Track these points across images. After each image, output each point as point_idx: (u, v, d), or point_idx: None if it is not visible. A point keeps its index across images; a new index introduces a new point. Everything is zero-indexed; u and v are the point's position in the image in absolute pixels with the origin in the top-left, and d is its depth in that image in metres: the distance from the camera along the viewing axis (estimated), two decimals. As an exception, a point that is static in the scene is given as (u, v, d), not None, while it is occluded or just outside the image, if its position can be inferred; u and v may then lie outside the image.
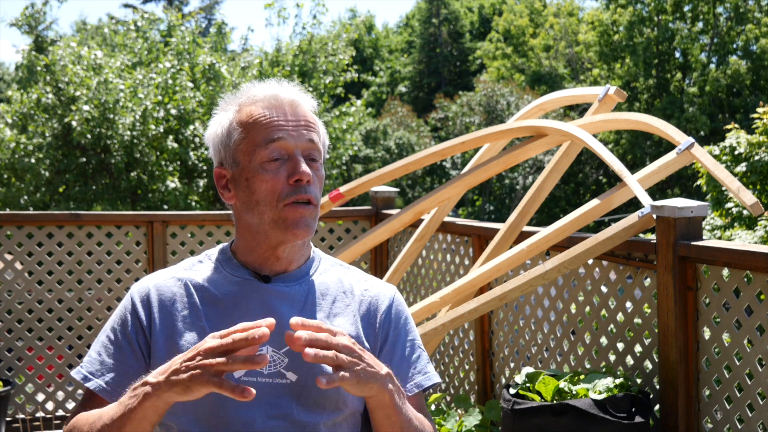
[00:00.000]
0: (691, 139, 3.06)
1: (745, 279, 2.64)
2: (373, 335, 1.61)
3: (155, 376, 1.38)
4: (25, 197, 12.55)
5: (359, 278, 1.68)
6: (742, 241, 6.14)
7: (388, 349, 1.62)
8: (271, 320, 1.33)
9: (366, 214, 4.92)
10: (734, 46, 28.14)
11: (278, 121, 1.56)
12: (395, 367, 1.60)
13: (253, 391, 1.30)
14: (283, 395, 1.52)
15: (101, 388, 1.55)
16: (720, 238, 6.74)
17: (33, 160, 12.13)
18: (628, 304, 3.13)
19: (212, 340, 1.35)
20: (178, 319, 1.55)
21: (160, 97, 12.07)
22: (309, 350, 1.32)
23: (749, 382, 2.64)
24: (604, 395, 2.74)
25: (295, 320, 1.35)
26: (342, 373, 1.35)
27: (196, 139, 12.43)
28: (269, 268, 1.60)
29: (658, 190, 25.28)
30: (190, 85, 12.34)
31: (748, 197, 2.79)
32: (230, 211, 1.65)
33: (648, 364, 3.03)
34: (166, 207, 12.14)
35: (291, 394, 1.52)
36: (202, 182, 12.73)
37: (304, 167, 1.55)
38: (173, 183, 12.06)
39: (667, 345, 2.80)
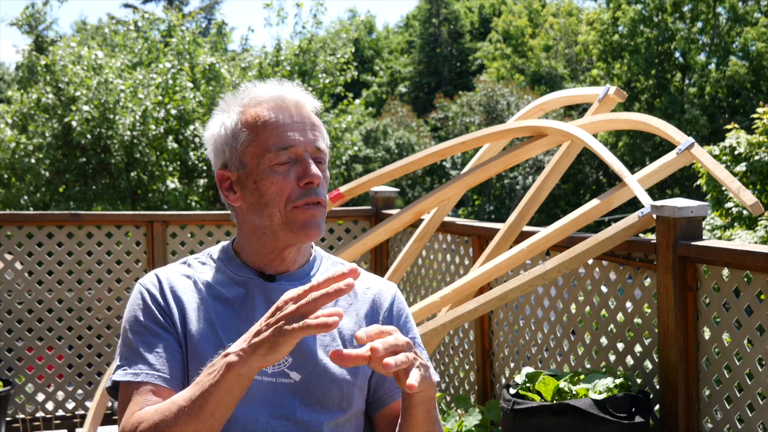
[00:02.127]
0: (691, 139, 3.06)
1: (745, 279, 2.64)
2: None
3: (235, 346, 1.33)
4: (25, 197, 12.55)
5: (360, 276, 1.68)
6: (742, 241, 6.14)
7: None
8: (339, 310, 1.29)
9: (366, 214, 4.92)
10: (734, 46, 28.16)
11: (287, 124, 1.55)
12: None
13: (336, 318, 1.26)
14: (287, 395, 1.52)
15: (164, 378, 1.48)
16: (720, 238, 6.74)
17: (33, 160, 12.13)
18: (628, 304, 3.14)
19: (289, 305, 1.30)
20: (190, 310, 1.54)
21: (160, 98, 12.06)
22: (389, 360, 1.28)
23: (749, 382, 2.64)
24: (604, 395, 2.74)
25: (360, 333, 1.30)
26: (415, 377, 1.31)
27: (196, 139, 12.43)
28: (273, 268, 1.60)
29: (658, 190, 25.29)
30: (190, 85, 12.34)
31: (748, 197, 2.79)
32: (230, 211, 1.65)
33: (648, 364, 3.03)
34: (166, 207, 12.14)
35: (294, 394, 1.52)
36: (202, 182, 12.73)
37: (314, 169, 1.54)
38: (173, 183, 12.06)
39: (667, 345, 2.80)
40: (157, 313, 1.53)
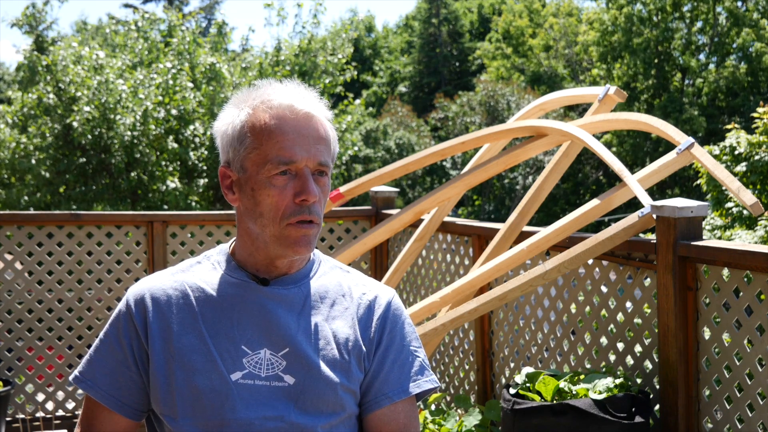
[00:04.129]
0: (691, 139, 3.06)
1: (745, 279, 2.64)
2: (368, 339, 1.61)
3: None
4: (26, 198, 12.55)
5: (358, 282, 1.67)
6: (742, 241, 6.14)
7: (381, 353, 1.61)
8: None
9: (366, 214, 4.91)
10: (733, 46, 28.17)
11: (291, 137, 1.53)
12: (386, 372, 1.60)
13: None
14: (281, 398, 1.52)
15: (93, 390, 1.57)
16: (720, 238, 6.74)
17: (33, 161, 12.13)
18: (628, 304, 3.13)
19: None
20: (174, 322, 1.55)
21: (160, 98, 12.06)
22: None
23: (749, 382, 2.64)
24: (604, 395, 2.74)
25: None
26: None
27: (196, 139, 12.42)
28: (268, 272, 1.60)
29: (658, 190, 25.28)
30: (191, 85, 12.33)
31: (748, 197, 2.79)
32: (231, 211, 1.65)
33: (648, 364, 3.03)
34: (166, 207, 12.13)
35: (288, 397, 1.52)
36: (202, 182, 12.73)
37: (312, 187, 1.53)
38: (173, 183, 12.05)
39: (667, 345, 2.80)
40: (124, 332, 1.58)
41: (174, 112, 12.05)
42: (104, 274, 4.63)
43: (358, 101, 16.02)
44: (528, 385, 2.94)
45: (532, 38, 33.47)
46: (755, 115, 7.66)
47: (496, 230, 3.68)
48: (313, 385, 1.53)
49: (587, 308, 3.33)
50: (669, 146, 20.92)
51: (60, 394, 4.77)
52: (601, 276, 3.23)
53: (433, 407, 3.68)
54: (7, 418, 4.47)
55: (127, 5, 35.66)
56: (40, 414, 4.59)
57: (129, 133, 11.69)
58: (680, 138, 3.10)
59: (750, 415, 2.63)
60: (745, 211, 6.93)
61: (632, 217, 2.91)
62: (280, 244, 1.54)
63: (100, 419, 1.58)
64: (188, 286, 1.59)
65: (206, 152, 12.39)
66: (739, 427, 2.66)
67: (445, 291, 3.39)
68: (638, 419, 2.71)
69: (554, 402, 2.79)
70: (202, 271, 1.62)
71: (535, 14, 34.43)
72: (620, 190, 3.15)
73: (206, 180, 12.71)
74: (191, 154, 12.34)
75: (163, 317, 1.56)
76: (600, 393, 2.77)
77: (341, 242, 4.90)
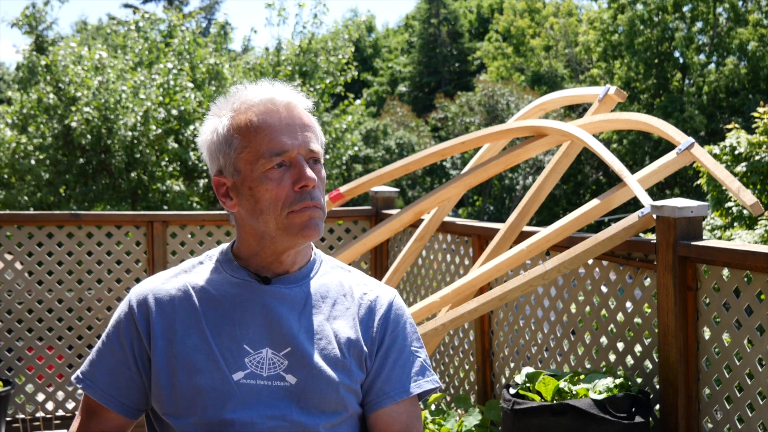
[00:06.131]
0: (691, 139, 3.05)
1: (745, 279, 2.64)
2: (370, 339, 1.61)
3: None
4: (26, 198, 12.55)
5: (359, 281, 1.68)
6: (742, 241, 6.13)
7: (383, 353, 1.61)
8: None
9: (366, 214, 4.91)
10: (734, 46, 28.18)
11: (278, 128, 1.54)
12: (388, 371, 1.60)
13: None
14: (283, 397, 1.52)
15: (92, 390, 1.59)
16: (720, 238, 6.74)
17: (33, 161, 12.13)
18: (628, 304, 3.13)
19: None
20: (177, 322, 1.56)
21: (161, 98, 12.06)
22: None
23: (749, 382, 2.64)
24: (604, 395, 2.74)
25: None
26: None
27: (197, 139, 12.42)
28: (271, 270, 1.60)
29: (658, 190, 25.28)
30: (191, 85, 12.33)
31: (748, 197, 2.79)
32: (229, 215, 1.65)
33: (648, 364, 3.03)
34: (166, 207, 12.13)
35: (290, 397, 1.52)
36: (202, 182, 12.73)
37: (309, 172, 1.54)
38: (178, 186, 12.06)
39: (667, 345, 2.80)
40: (126, 332, 1.58)
41: (174, 112, 12.06)
42: (104, 274, 4.63)
43: (358, 101, 16.00)
44: (528, 385, 2.94)
45: (533, 39, 33.48)
46: (755, 114, 7.66)
47: (496, 230, 3.68)
48: (314, 384, 1.53)
49: (587, 308, 3.33)
50: (669, 146, 20.91)
51: (60, 394, 4.77)
52: (601, 276, 3.23)
53: (433, 407, 3.68)
54: (7, 418, 4.47)
55: (127, 5, 35.67)
56: (40, 414, 4.59)
57: (129, 133, 11.69)
58: (680, 138, 3.10)
59: (750, 415, 2.63)
60: (745, 211, 6.93)
61: (632, 217, 2.91)
62: (288, 233, 1.54)
63: (98, 415, 1.60)
64: (191, 286, 1.59)
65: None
66: (739, 427, 2.66)
67: (445, 291, 3.39)
68: (638, 419, 2.71)
69: (554, 402, 2.79)
70: (204, 271, 1.62)
71: (536, 14, 34.43)
72: (620, 190, 3.15)
73: (206, 180, 12.71)
74: (191, 154, 12.34)
75: (166, 317, 1.56)
76: (600, 393, 2.77)
77: (341, 242, 4.90)
